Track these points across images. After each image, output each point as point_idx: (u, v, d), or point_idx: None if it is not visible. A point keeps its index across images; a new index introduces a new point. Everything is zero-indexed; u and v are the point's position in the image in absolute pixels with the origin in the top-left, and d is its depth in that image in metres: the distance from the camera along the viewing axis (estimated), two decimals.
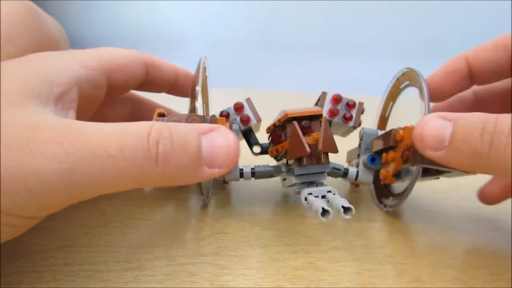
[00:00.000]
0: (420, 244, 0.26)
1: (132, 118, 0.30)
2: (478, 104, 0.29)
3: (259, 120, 0.28)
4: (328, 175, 0.26)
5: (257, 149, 0.29)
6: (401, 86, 0.31)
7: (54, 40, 0.23)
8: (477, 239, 0.27)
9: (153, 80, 0.27)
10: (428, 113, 0.22)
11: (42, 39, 0.21)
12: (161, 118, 0.21)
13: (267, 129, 0.27)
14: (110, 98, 0.25)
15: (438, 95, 0.27)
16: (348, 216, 0.20)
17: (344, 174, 0.28)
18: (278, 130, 0.25)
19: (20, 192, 0.14)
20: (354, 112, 0.29)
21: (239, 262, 0.22)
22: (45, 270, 0.20)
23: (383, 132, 0.27)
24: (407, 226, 0.27)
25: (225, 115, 0.28)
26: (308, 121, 0.23)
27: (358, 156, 0.29)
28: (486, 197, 0.29)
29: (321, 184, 0.24)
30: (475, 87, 0.29)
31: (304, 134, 0.23)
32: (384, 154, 0.26)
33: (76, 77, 0.19)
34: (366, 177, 0.28)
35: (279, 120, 0.24)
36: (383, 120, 0.33)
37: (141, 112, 0.30)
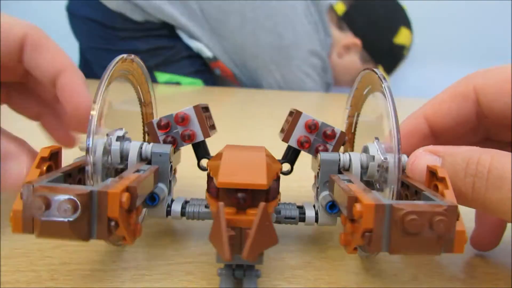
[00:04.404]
0: None
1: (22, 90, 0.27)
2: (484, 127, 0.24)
3: (207, 136, 0.23)
4: (281, 223, 0.23)
5: (205, 163, 0.23)
6: (364, 93, 0.26)
7: None
8: None
9: (29, 64, 0.23)
10: (394, 123, 0.19)
11: None
12: None
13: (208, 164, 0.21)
14: None
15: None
16: None
17: (301, 220, 0.23)
18: (212, 181, 0.20)
19: None
20: (332, 144, 0.23)
21: None
22: (42, 270, 0.20)
23: (347, 155, 0.22)
24: None
25: (163, 125, 0.22)
26: (244, 194, 0.18)
27: (317, 190, 0.23)
28: (478, 244, 0.25)
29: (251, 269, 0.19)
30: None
31: (239, 208, 0.18)
32: (342, 216, 0.20)
33: None
34: (328, 220, 0.23)
35: (210, 172, 0.20)
36: (349, 138, 0.29)
37: (37, 89, 0.27)
